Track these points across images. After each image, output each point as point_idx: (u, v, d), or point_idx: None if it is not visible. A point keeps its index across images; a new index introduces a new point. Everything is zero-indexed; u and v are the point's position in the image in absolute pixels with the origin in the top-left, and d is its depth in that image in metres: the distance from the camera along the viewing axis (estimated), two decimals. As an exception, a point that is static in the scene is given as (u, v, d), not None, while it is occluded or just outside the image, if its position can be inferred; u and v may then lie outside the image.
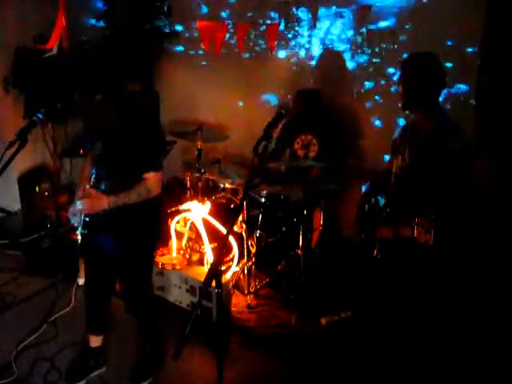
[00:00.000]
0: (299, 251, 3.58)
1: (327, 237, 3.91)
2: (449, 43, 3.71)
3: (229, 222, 3.36)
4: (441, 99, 2.39)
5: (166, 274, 3.43)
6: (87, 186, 2.42)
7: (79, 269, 3.49)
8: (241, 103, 4.86)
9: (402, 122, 3.87)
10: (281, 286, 3.63)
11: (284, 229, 3.65)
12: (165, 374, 2.76)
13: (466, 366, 2.72)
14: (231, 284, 3.48)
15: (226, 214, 3.68)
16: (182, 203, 3.69)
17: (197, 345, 2.84)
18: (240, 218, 3.50)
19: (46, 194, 4.48)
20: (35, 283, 3.64)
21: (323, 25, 4.25)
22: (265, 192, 3.62)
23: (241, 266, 3.59)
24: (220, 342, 2.11)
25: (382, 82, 4.11)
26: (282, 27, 4.33)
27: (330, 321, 3.19)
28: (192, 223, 3.58)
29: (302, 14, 4.33)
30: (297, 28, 4.42)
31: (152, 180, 2.37)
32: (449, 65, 3.53)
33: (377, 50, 4.07)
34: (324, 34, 4.30)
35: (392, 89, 4.04)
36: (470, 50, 3.65)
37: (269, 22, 4.39)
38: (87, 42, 4.56)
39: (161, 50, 4.92)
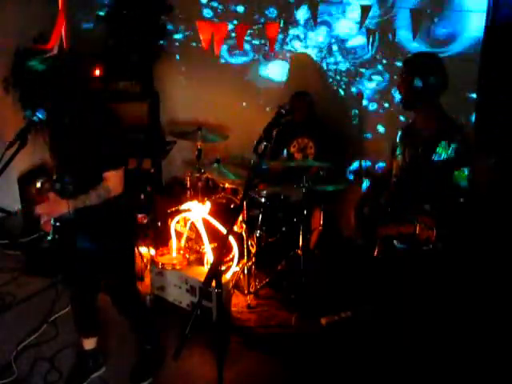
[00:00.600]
0: (299, 251, 3.58)
1: (327, 237, 3.91)
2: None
3: (229, 222, 3.36)
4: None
5: (165, 274, 3.42)
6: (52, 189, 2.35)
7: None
8: (241, 103, 4.86)
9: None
10: (281, 286, 3.62)
11: (284, 229, 3.65)
12: (165, 374, 2.76)
13: (466, 365, 2.72)
14: (231, 284, 3.48)
15: (226, 213, 3.68)
16: (181, 203, 3.69)
17: (197, 345, 2.84)
18: (240, 218, 3.50)
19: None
20: (35, 283, 3.64)
21: (323, 25, 4.26)
22: (265, 192, 3.62)
23: (241, 266, 3.59)
24: (220, 342, 2.11)
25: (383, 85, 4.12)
26: (281, 26, 4.32)
27: (329, 321, 3.19)
28: (192, 223, 3.58)
29: (302, 14, 4.33)
30: (297, 28, 4.42)
31: (112, 179, 2.26)
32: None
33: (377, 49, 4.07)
34: (324, 35, 4.31)
35: (392, 90, 4.05)
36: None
37: (269, 21, 4.39)
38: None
39: (161, 49, 4.92)
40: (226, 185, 3.89)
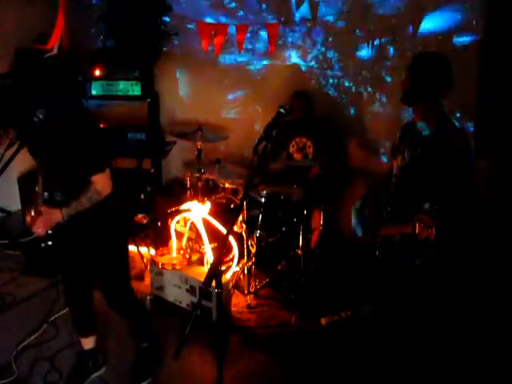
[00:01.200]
0: (299, 251, 3.58)
1: (327, 237, 3.92)
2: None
3: (229, 222, 3.36)
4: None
5: (165, 274, 3.43)
6: (39, 202, 2.34)
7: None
8: (241, 103, 4.85)
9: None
10: (281, 286, 3.63)
11: (284, 229, 3.65)
12: (165, 373, 2.76)
13: (467, 365, 2.72)
14: (231, 284, 3.48)
15: (226, 213, 3.68)
16: (181, 203, 3.69)
17: (197, 345, 2.83)
18: (240, 218, 3.50)
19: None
20: (35, 283, 3.64)
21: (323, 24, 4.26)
22: (265, 192, 3.62)
23: (241, 266, 3.59)
24: (220, 341, 2.11)
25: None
26: (281, 28, 4.32)
27: (329, 321, 3.19)
28: (192, 223, 3.58)
29: (302, 14, 4.33)
30: (296, 29, 4.42)
31: (100, 182, 2.26)
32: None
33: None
34: (324, 35, 4.31)
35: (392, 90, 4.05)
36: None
37: (269, 22, 4.39)
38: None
39: (161, 50, 4.92)
40: (226, 185, 3.89)
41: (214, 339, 2.73)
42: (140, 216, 3.94)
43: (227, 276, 3.52)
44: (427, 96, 2.30)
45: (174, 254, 3.56)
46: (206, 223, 3.53)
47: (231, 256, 3.63)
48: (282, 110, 1.89)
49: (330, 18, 4.18)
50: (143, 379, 2.69)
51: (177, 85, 5.07)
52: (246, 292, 3.52)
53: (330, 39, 4.29)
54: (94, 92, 4.52)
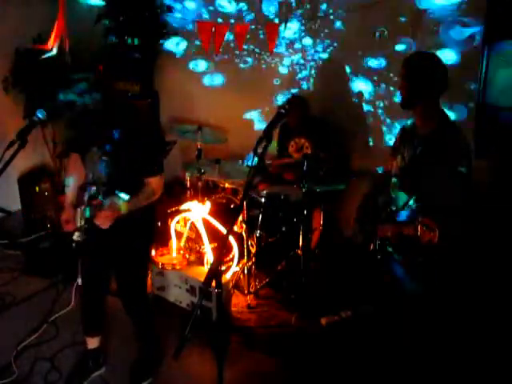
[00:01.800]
0: (299, 251, 3.58)
1: (327, 237, 3.91)
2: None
3: (229, 222, 3.36)
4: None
5: (165, 274, 3.43)
6: (84, 194, 2.38)
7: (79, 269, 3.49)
8: (241, 103, 4.86)
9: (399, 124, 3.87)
10: (281, 286, 3.63)
11: (284, 229, 3.65)
12: (165, 373, 2.76)
13: (467, 365, 2.72)
14: (231, 284, 3.48)
15: (226, 214, 3.69)
16: (181, 203, 3.69)
17: (197, 345, 2.83)
18: (240, 218, 3.50)
19: (46, 193, 4.48)
20: (35, 283, 3.64)
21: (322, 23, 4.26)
22: (265, 192, 3.62)
23: (241, 266, 3.59)
24: (220, 341, 2.11)
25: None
26: (281, 28, 4.32)
27: (329, 321, 3.19)
28: (192, 223, 3.58)
29: (302, 14, 4.33)
30: (296, 29, 4.42)
31: (155, 183, 2.43)
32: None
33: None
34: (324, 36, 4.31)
35: (392, 89, 4.05)
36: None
37: (269, 22, 4.39)
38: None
39: (160, 49, 4.92)
40: (226, 185, 3.90)
41: (213, 339, 2.73)
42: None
43: (227, 276, 3.52)
44: (426, 97, 2.29)
45: (174, 253, 3.57)
46: (206, 223, 3.53)
47: (231, 256, 3.64)
48: (281, 111, 1.89)
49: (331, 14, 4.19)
50: (143, 379, 2.70)
51: (177, 85, 5.07)
52: (245, 292, 3.52)
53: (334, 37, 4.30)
54: (93, 92, 4.52)
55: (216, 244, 3.51)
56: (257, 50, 4.61)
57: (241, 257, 3.60)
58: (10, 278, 3.74)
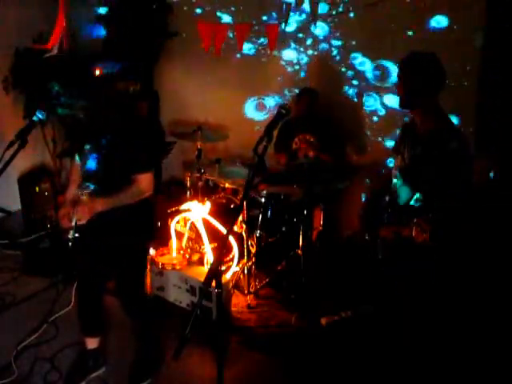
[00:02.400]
0: (299, 251, 3.58)
1: (327, 237, 3.91)
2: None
3: (229, 222, 3.35)
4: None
5: (165, 274, 3.42)
6: (77, 190, 2.42)
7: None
8: (241, 103, 4.86)
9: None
10: (281, 286, 3.63)
11: (284, 229, 3.65)
12: (165, 374, 2.76)
13: (467, 365, 2.72)
14: (231, 284, 3.48)
15: (226, 214, 3.68)
16: (181, 203, 3.69)
17: (197, 345, 2.83)
18: (240, 218, 3.50)
19: (46, 193, 4.48)
20: (35, 283, 3.64)
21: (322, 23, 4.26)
22: (265, 192, 3.62)
23: (241, 266, 3.59)
24: (220, 341, 2.11)
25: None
26: (282, 27, 4.32)
27: (329, 321, 3.19)
28: (192, 223, 3.58)
29: (302, 13, 4.33)
30: (296, 28, 4.42)
31: (144, 181, 2.39)
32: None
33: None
34: (324, 34, 4.32)
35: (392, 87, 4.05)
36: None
37: (269, 21, 4.39)
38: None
39: (161, 49, 4.92)
40: (226, 185, 3.89)
41: (213, 339, 2.73)
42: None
43: (227, 276, 3.52)
44: (425, 96, 2.29)
45: (174, 253, 3.56)
46: (206, 223, 3.53)
47: (231, 256, 3.63)
48: (282, 110, 1.89)
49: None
50: (143, 380, 2.69)
51: (177, 85, 5.07)
52: (246, 292, 3.52)
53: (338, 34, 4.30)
54: (93, 92, 4.51)
55: (216, 244, 3.51)
56: (257, 49, 4.62)
57: (241, 257, 3.60)
58: (9, 277, 3.74)
